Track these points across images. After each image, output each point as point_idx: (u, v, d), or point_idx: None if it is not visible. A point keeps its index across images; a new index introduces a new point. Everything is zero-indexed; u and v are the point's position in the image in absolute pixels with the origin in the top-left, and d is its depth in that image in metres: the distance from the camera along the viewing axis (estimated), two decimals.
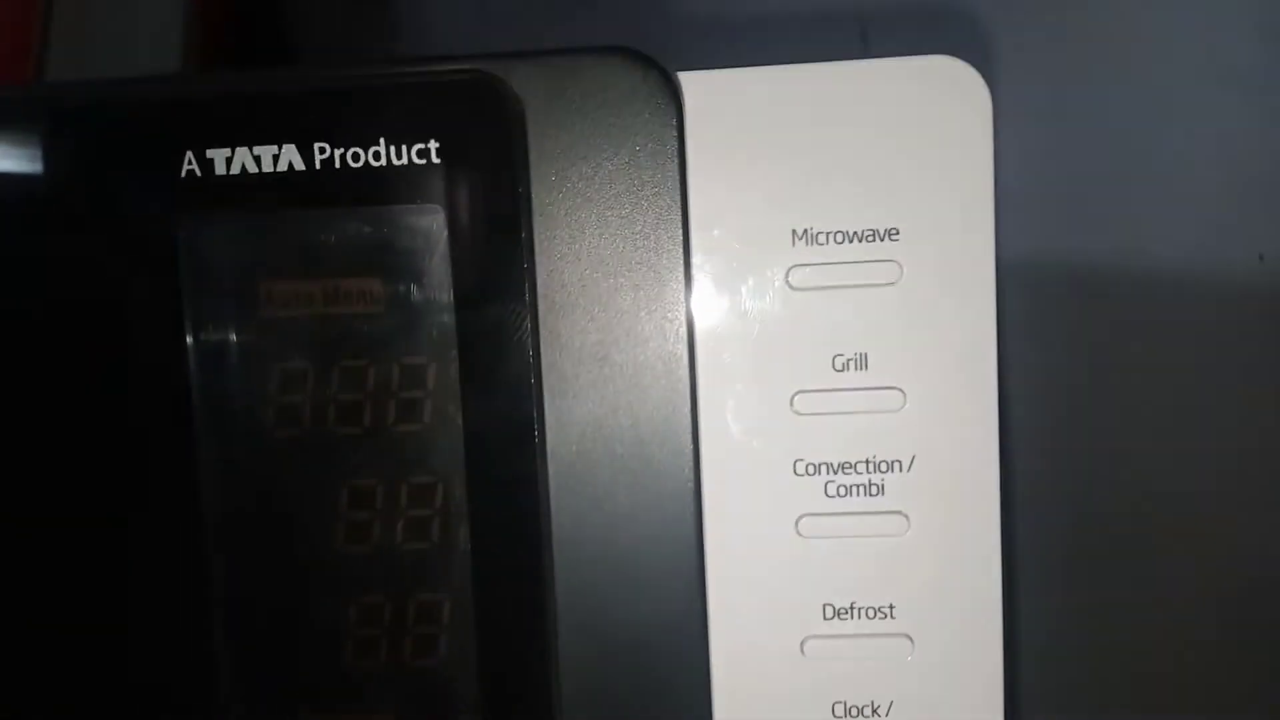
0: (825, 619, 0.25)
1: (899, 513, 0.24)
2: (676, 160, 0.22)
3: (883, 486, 0.24)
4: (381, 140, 0.21)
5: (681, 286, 0.23)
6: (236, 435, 0.22)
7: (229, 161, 0.21)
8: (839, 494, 0.24)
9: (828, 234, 0.24)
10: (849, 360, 0.24)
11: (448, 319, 0.21)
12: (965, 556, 0.24)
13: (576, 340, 0.22)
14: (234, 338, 0.22)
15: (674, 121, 0.22)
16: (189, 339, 0.21)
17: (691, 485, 0.23)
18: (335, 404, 0.22)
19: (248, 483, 0.22)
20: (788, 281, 0.24)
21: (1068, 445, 0.45)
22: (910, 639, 0.24)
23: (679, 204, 0.22)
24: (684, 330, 0.23)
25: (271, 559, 0.22)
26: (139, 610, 0.22)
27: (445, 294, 0.21)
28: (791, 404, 0.24)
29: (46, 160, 0.21)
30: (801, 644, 0.25)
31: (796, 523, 0.25)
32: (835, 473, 0.24)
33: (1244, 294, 0.42)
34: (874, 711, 0.25)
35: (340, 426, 0.22)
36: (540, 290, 0.21)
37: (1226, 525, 0.42)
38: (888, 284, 0.24)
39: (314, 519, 0.22)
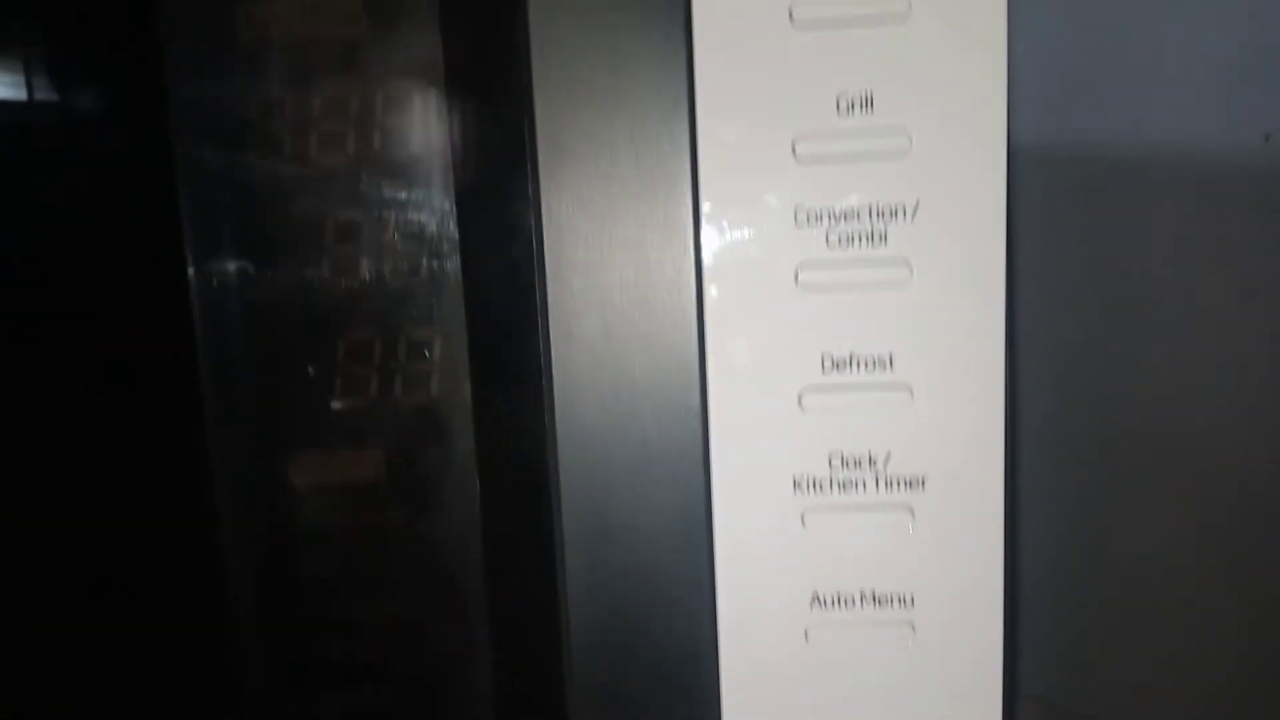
0: (823, 371, 0.24)
1: (902, 261, 0.24)
2: None
3: (885, 235, 0.24)
4: None
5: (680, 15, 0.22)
6: (217, 165, 0.21)
7: None
8: (840, 243, 0.24)
9: None
10: (853, 101, 0.23)
11: (433, 37, 0.20)
12: (969, 306, 0.24)
13: (573, 42, 0.21)
14: (212, 60, 0.21)
15: None
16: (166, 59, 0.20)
17: (690, 232, 0.22)
18: (318, 133, 0.21)
19: (227, 217, 0.21)
20: (790, 15, 0.23)
21: (1074, 326, 0.44)
22: (910, 389, 0.24)
23: None
24: (682, 59, 0.22)
25: (255, 296, 0.21)
26: (121, 359, 0.22)
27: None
28: (793, 150, 0.23)
29: None
30: (799, 396, 0.24)
31: (796, 273, 0.24)
32: (837, 221, 0.24)
33: (1250, 174, 0.41)
34: (871, 463, 0.24)
35: (322, 158, 0.21)
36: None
37: (1226, 400, 0.42)
38: (896, 18, 0.23)
39: (298, 254, 0.21)
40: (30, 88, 0.21)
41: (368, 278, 0.21)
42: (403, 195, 0.21)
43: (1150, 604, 0.44)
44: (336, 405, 0.22)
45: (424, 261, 0.21)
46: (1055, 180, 0.46)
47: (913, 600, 0.25)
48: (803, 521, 0.25)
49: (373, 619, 0.22)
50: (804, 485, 0.25)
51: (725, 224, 0.24)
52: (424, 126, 0.21)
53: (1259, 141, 0.40)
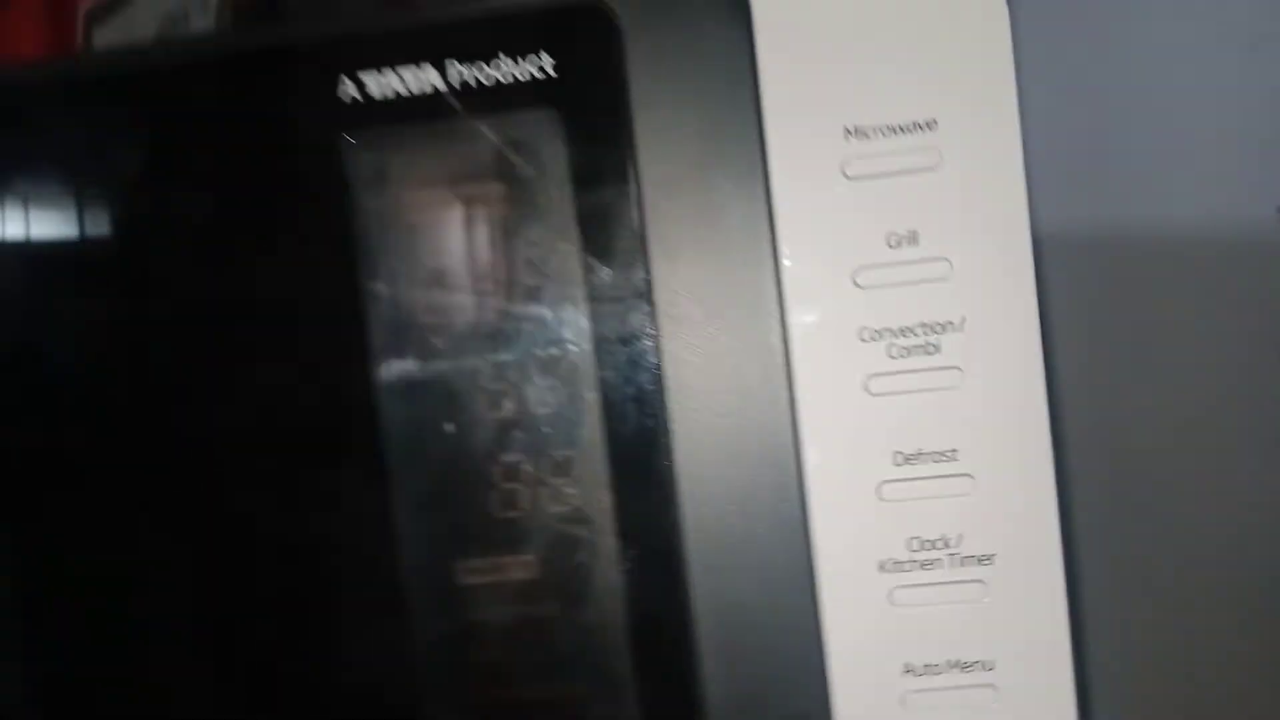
0: (896, 465, 0.28)
1: (954, 368, 0.28)
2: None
3: (939, 345, 0.28)
4: (503, 56, 0.25)
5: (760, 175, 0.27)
6: (398, 308, 0.25)
7: (380, 85, 0.25)
8: (900, 355, 0.28)
9: (876, 129, 0.28)
10: (901, 238, 0.28)
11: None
12: (1015, 401, 0.28)
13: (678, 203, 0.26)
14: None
15: None
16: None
17: (780, 353, 0.27)
18: (479, 291, 0.25)
19: (408, 355, 0.25)
20: (843, 171, 0.28)
21: (1098, 412, 0.47)
22: (972, 478, 0.28)
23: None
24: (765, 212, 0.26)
25: (428, 426, 0.26)
26: (315, 473, 0.26)
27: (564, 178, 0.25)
28: (854, 280, 0.28)
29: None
30: (878, 489, 0.28)
31: (865, 383, 0.28)
32: (895, 336, 0.28)
33: (1263, 248, 0.43)
34: (945, 544, 0.28)
35: (483, 312, 0.26)
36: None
37: (1252, 474, 0.45)
38: (929, 169, 0.28)
39: (462, 394, 0.26)
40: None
41: (520, 409, 0.26)
42: (547, 339, 0.26)
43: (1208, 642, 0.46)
44: (497, 516, 0.26)
45: (568, 393, 0.26)
46: (1081, 263, 0.48)
47: (993, 664, 0.28)
48: (890, 599, 0.28)
49: (535, 699, 0.25)
50: (889, 567, 0.28)
51: (806, 345, 0.28)
52: (563, 283, 0.25)
53: (1272, 215, 0.42)
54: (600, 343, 0.25)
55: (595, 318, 0.25)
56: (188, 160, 0.26)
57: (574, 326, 0.25)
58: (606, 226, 0.25)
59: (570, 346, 0.25)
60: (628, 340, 0.25)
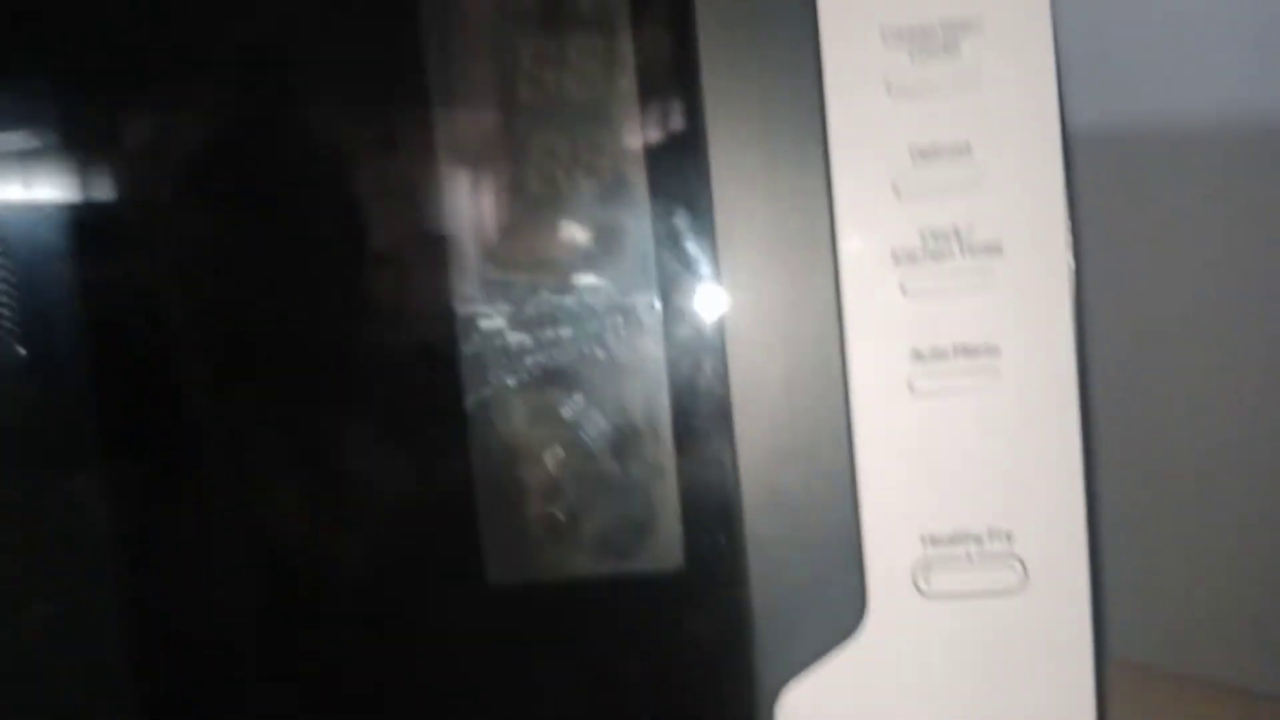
0: (911, 162, 0.30)
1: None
2: None
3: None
4: None
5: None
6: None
7: None
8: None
9: None
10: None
11: None
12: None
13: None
14: None
15: None
16: None
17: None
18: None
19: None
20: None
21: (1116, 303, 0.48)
22: (982, 170, 0.30)
23: None
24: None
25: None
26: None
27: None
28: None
29: None
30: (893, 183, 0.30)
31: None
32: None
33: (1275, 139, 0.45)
34: (956, 234, 0.30)
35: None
36: None
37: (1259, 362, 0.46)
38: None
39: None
40: None
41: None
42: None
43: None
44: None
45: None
46: (1096, 161, 0.50)
47: (998, 348, 0.30)
48: (902, 289, 0.30)
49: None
50: (902, 257, 0.31)
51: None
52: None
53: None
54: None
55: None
56: None
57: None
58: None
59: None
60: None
